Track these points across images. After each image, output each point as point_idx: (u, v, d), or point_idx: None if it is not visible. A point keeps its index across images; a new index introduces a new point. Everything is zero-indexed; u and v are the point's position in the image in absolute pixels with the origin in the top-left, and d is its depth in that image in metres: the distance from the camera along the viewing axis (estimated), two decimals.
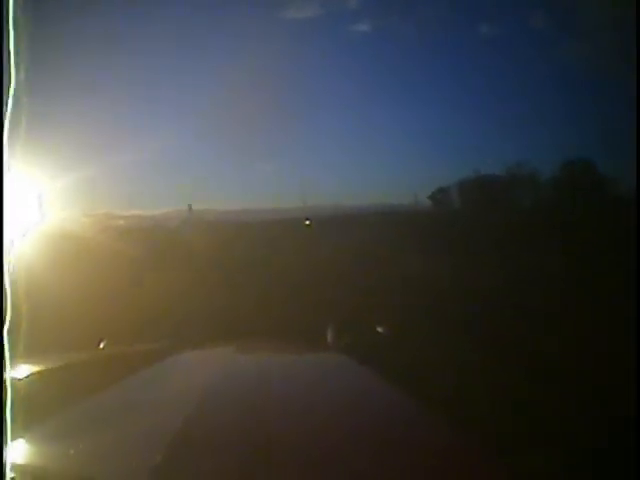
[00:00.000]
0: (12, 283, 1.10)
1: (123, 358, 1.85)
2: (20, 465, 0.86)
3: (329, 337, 2.15)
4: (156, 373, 1.63)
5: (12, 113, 1.03)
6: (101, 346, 2.10)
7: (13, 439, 0.92)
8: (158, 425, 1.04)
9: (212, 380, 1.46)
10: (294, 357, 1.98)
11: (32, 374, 1.45)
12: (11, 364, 1.12)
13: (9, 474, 0.81)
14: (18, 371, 1.42)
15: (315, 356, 1.98)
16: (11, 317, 1.11)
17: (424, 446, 0.99)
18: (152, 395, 1.35)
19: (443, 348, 4.31)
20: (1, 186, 0.94)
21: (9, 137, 1.05)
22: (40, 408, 1.11)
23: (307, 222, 34.72)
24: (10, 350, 1.10)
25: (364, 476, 0.87)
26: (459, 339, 4.66)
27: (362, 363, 1.65)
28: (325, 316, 5.64)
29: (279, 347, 2.20)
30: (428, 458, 0.93)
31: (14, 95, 0.98)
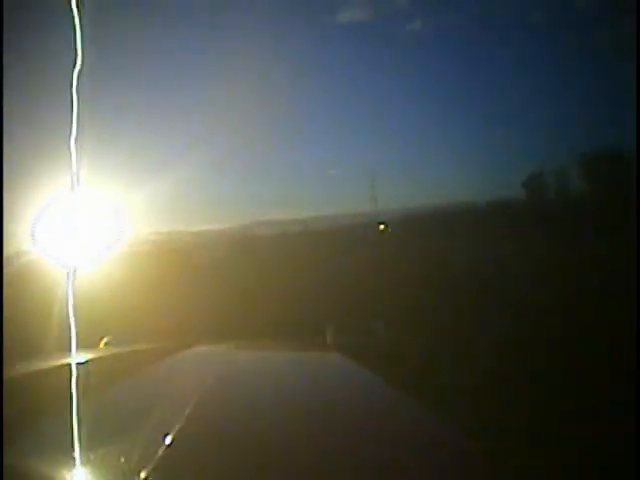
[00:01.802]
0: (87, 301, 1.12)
1: (127, 357, 1.89)
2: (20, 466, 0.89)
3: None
4: (158, 370, 1.69)
5: (80, 132, 1.04)
6: (102, 345, 2.13)
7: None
8: (157, 425, 1.06)
9: (213, 377, 1.49)
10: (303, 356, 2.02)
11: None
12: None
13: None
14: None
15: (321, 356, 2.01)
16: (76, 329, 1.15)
17: (425, 447, 0.99)
18: (153, 393, 1.38)
19: (445, 347, 4.39)
20: (1, 186, 0.95)
21: (77, 156, 1.06)
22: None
23: (381, 227, 36.82)
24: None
25: (364, 476, 0.88)
26: (462, 338, 4.74)
27: (362, 363, 1.65)
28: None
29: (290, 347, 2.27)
30: (429, 459, 0.94)
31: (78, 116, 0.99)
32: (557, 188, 28.83)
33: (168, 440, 0.95)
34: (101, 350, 2.07)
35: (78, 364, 1.35)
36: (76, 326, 1.08)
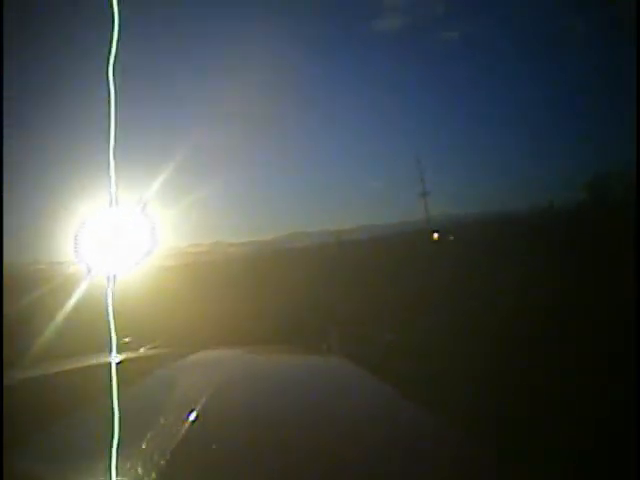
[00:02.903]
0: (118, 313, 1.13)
1: (134, 362, 1.91)
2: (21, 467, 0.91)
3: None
4: (164, 377, 1.71)
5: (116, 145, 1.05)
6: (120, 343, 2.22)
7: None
8: (164, 428, 1.07)
9: (219, 383, 1.50)
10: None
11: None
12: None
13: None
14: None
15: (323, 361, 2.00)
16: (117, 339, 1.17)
17: (427, 450, 0.99)
18: (159, 397, 1.40)
19: (447, 353, 4.30)
20: (1, 186, 0.97)
21: (115, 170, 1.07)
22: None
23: (435, 235, 35.21)
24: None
25: (365, 477, 0.88)
26: (462, 344, 4.66)
27: (366, 368, 1.64)
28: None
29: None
30: (431, 462, 0.93)
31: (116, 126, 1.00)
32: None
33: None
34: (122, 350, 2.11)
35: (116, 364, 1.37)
36: (115, 331, 1.13)
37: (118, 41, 1.05)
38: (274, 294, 10.84)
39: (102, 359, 1.73)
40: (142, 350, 2.27)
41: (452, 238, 32.77)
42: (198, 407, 1.17)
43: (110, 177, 1.06)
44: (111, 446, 0.90)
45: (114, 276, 1.14)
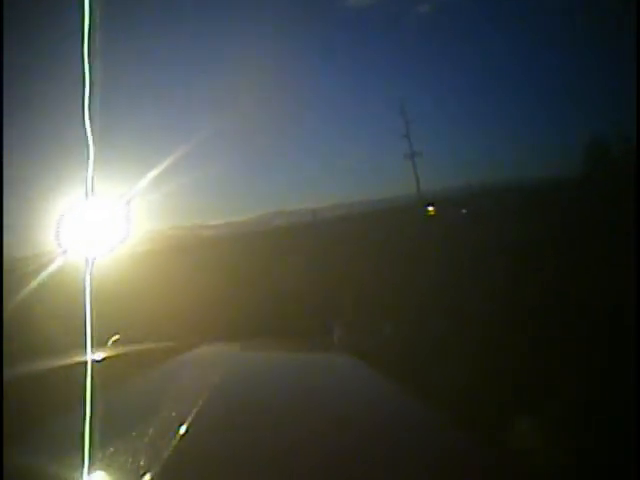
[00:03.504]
0: (95, 297, 1.14)
1: (129, 357, 1.87)
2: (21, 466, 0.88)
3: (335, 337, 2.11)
4: (163, 371, 1.66)
5: (95, 128, 1.06)
6: (109, 343, 2.12)
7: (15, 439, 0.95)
8: (161, 424, 1.05)
9: (217, 378, 1.46)
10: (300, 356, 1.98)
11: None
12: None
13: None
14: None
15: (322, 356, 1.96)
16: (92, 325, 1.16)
17: (428, 448, 0.99)
18: (156, 393, 1.37)
19: (448, 346, 4.18)
20: (1, 185, 0.97)
21: (94, 153, 1.09)
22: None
23: (430, 209, 29.91)
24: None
25: (366, 477, 0.87)
26: (465, 337, 4.47)
27: (367, 363, 1.62)
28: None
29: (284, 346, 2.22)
30: (432, 460, 0.93)
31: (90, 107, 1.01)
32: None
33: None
34: (110, 348, 2.04)
35: (94, 362, 1.34)
36: (93, 322, 1.11)
37: (91, 21, 1.05)
38: (260, 279, 10.64)
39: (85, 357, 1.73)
40: (128, 348, 2.23)
41: (464, 211, 28.74)
42: (189, 418, 1.05)
43: (88, 167, 1.07)
44: (82, 457, 0.87)
45: (93, 263, 1.15)
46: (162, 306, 7.66)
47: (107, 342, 2.14)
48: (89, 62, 0.99)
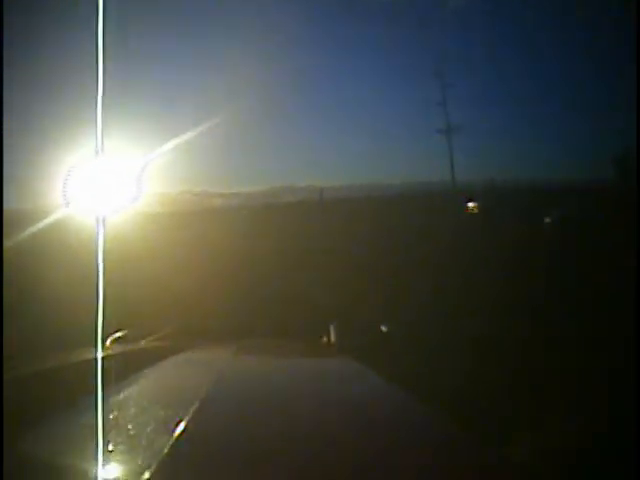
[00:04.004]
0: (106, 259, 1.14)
1: (126, 356, 1.80)
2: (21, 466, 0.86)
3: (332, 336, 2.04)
4: (160, 370, 1.59)
5: (104, 94, 1.06)
6: (108, 343, 2.02)
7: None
8: (159, 425, 1.03)
9: (215, 378, 1.43)
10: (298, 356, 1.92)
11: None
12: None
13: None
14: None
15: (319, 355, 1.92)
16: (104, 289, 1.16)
17: (428, 448, 0.97)
18: (154, 393, 1.35)
19: (449, 348, 4.06)
20: (1, 185, 0.96)
21: (102, 117, 1.08)
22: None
23: (471, 205, 22.47)
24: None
25: (367, 477, 0.85)
26: (465, 337, 4.41)
27: (366, 363, 1.58)
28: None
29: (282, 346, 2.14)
30: (432, 460, 0.91)
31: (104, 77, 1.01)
32: None
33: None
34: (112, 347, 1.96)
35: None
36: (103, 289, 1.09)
37: None
38: (263, 259, 10.48)
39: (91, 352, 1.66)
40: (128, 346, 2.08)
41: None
42: (187, 417, 1.01)
43: (97, 125, 1.07)
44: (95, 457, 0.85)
45: (103, 220, 1.15)
46: (166, 278, 7.64)
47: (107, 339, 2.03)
48: (103, 16, 0.98)
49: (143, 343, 2.11)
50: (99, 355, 1.12)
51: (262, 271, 8.84)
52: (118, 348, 1.94)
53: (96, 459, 0.84)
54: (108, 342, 1.98)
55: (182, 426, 0.96)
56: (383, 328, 2.33)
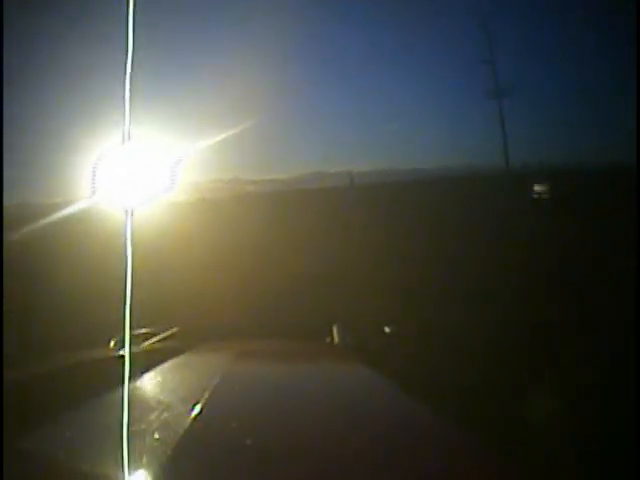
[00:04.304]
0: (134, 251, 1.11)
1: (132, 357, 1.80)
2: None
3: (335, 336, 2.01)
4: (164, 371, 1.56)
5: (133, 80, 1.02)
6: (111, 345, 1.98)
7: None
8: (160, 426, 1.01)
9: (216, 380, 1.39)
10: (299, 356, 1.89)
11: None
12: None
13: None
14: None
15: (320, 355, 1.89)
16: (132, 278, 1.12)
17: (430, 449, 0.96)
18: (155, 394, 1.33)
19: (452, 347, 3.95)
20: (1, 184, 0.92)
21: (130, 103, 1.05)
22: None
23: (537, 188, 17.83)
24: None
25: (368, 478, 0.85)
26: (469, 337, 4.26)
27: (369, 363, 1.54)
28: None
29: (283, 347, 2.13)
30: (433, 462, 0.91)
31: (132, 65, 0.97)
32: None
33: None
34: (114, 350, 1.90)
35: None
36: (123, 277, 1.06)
37: None
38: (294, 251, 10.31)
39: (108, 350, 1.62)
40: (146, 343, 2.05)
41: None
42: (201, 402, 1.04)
43: (125, 112, 1.04)
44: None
45: (131, 213, 1.11)
46: (196, 268, 7.68)
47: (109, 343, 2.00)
48: (134, 6, 0.94)
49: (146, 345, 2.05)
50: (126, 353, 1.08)
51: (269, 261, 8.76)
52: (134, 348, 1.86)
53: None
54: (112, 343, 1.97)
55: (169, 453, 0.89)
56: (386, 329, 2.23)
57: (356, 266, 8.10)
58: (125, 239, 1.11)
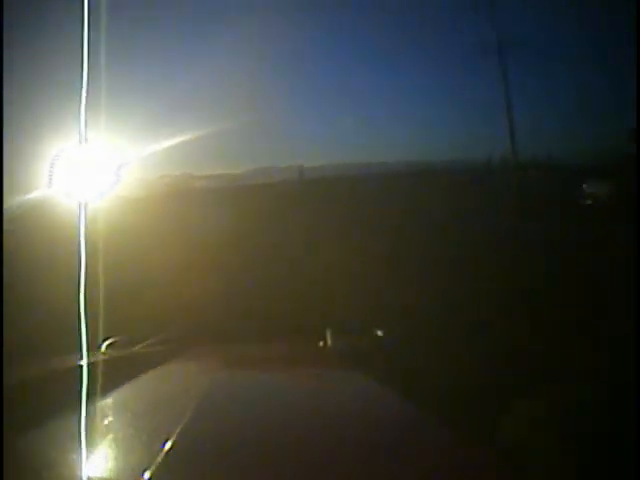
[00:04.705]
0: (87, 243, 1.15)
1: (122, 360, 1.74)
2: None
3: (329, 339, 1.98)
4: (159, 374, 1.54)
5: (90, 81, 1.07)
6: (102, 349, 1.91)
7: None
8: (155, 430, 1.01)
9: (211, 382, 1.40)
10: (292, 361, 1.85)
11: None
12: None
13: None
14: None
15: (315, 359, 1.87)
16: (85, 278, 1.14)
17: (425, 452, 0.96)
18: (152, 398, 1.32)
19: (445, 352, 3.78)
20: (1, 185, 0.96)
21: (86, 104, 1.09)
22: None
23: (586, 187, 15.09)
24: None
25: None
26: (463, 341, 4.05)
27: (362, 366, 1.55)
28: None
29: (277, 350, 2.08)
30: (428, 464, 0.90)
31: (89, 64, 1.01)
32: None
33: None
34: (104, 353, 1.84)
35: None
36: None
37: None
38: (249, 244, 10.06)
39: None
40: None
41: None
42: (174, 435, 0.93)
43: (80, 113, 1.08)
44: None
45: (85, 207, 1.15)
46: (148, 263, 7.44)
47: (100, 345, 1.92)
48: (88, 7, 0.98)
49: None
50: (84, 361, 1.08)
51: (247, 259, 8.61)
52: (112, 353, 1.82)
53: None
54: (103, 347, 1.90)
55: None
56: (379, 333, 2.22)
57: (312, 261, 8.02)
58: (79, 233, 1.15)
